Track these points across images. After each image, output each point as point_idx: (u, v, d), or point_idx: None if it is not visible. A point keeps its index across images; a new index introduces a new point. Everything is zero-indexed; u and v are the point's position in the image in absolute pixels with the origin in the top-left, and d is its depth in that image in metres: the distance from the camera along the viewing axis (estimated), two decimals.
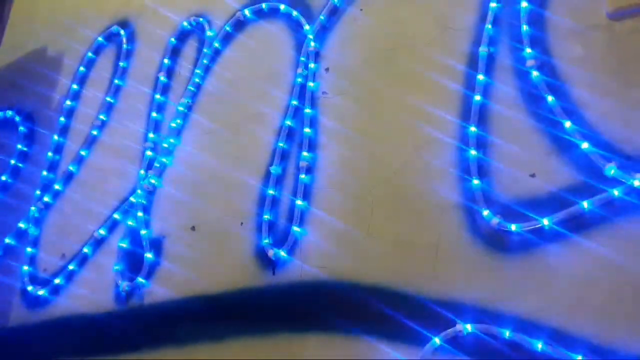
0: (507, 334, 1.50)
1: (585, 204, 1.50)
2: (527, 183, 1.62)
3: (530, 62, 1.71)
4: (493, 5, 1.84)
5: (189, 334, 2.06)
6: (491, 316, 1.55)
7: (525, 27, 1.76)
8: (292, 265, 1.93)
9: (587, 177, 1.53)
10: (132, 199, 2.39)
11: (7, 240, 2.70)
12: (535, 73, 1.69)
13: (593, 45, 1.66)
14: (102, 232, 2.42)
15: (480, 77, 1.79)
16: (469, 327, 1.55)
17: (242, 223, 2.09)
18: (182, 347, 2.05)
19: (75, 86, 2.90)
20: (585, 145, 1.55)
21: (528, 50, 1.73)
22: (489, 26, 1.83)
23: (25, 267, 2.58)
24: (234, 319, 2.00)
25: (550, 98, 1.64)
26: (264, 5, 2.36)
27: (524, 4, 1.79)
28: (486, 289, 1.59)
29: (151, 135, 2.47)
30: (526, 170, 1.63)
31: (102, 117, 2.70)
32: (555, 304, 1.49)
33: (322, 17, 2.18)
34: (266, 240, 1.99)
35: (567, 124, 1.59)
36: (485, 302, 1.57)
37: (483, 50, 1.81)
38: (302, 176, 2.01)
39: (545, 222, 1.54)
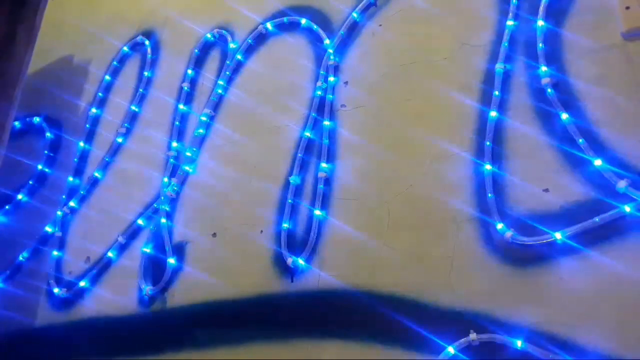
0: (519, 344, 1.54)
1: (597, 219, 1.54)
2: (541, 198, 1.66)
3: (545, 80, 1.75)
4: (510, 23, 1.89)
5: (208, 337, 2.11)
6: (504, 326, 1.59)
7: (541, 45, 1.80)
8: (309, 273, 1.98)
9: (600, 193, 1.58)
10: (155, 205, 2.46)
11: (34, 243, 2.77)
12: (550, 90, 1.74)
13: (607, 64, 1.70)
14: (126, 237, 2.48)
15: (496, 93, 1.83)
16: (482, 336, 1.59)
17: (261, 231, 2.15)
18: (202, 350, 2.10)
19: (100, 94, 2.97)
20: (598, 162, 1.59)
21: (543, 68, 1.77)
22: (506, 44, 1.87)
23: (51, 270, 2.64)
24: (252, 324, 2.05)
25: (564, 115, 1.69)
26: (285, 19, 2.43)
27: (540, 23, 1.83)
28: (499, 300, 1.63)
29: (174, 144, 2.53)
30: (540, 185, 1.67)
31: (126, 125, 2.77)
32: (566, 315, 1.53)
33: (342, 32, 2.24)
34: (285, 249, 2.05)
35: (581, 141, 1.63)
36: (498, 312, 1.61)
37: (499, 67, 1.85)
38: (321, 186, 2.07)
39: (558, 236, 1.58)
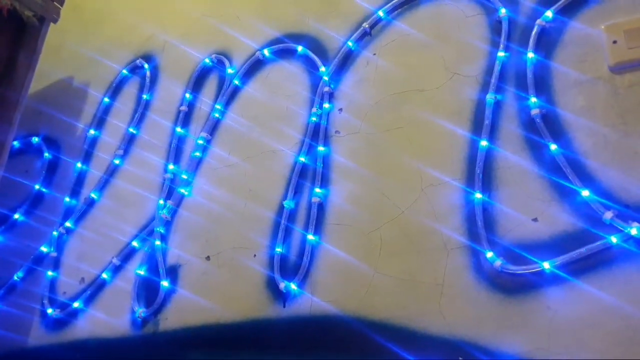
0: None
1: (584, 249, 1.57)
2: (530, 227, 1.69)
3: (535, 111, 1.79)
4: (500, 54, 1.93)
5: None
6: (492, 354, 1.61)
7: (531, 77, 1.85)
8: (302, 299, 1.99)
9: (587, 223, 1.60)
10: (150, 227, 2.47)
11: (28, 263, 2.77)
12: (539, 121, 1.77)
13: (595, 96, 1.74)
14: (120, 258, 2.49)
15: (487, 123, 1.86)
16: None
17: (255, 255, 2.16)
18: None
19: (99, 116, 3.00)
20: (585, 192, 1.62)
21: (533, 99, 1.81)
22: (497, 74, 1.91)
23: (46, 290, 2.65)
24: (244, 349, 2.05)
25: (553, 146, 1.72)
26: (282, 47, 2.47)
27: (530, 55, 1.87)
28: (488, 328, 1.65)
29: (171, 166, 2.55)
30: (529, 214, 1.70)
31: (124, 147, 2.79)
32: (554, 345, 1.54)
33: (337, 60, 2.28)
34: (277, 273, 2.06)
35: (569, 172, 1.66)
36: (486, 340, 1.63)
37: (490, 97, 1.89)
38: (314, 211, 2.09)
39: (546, 265, 1.60)
